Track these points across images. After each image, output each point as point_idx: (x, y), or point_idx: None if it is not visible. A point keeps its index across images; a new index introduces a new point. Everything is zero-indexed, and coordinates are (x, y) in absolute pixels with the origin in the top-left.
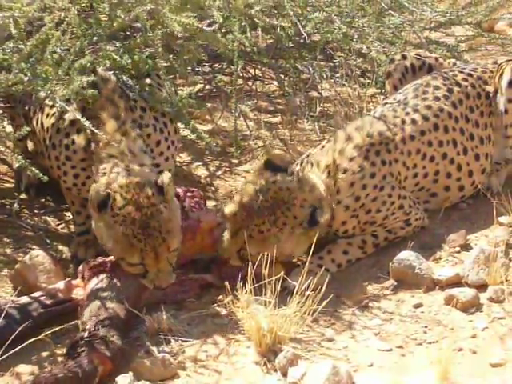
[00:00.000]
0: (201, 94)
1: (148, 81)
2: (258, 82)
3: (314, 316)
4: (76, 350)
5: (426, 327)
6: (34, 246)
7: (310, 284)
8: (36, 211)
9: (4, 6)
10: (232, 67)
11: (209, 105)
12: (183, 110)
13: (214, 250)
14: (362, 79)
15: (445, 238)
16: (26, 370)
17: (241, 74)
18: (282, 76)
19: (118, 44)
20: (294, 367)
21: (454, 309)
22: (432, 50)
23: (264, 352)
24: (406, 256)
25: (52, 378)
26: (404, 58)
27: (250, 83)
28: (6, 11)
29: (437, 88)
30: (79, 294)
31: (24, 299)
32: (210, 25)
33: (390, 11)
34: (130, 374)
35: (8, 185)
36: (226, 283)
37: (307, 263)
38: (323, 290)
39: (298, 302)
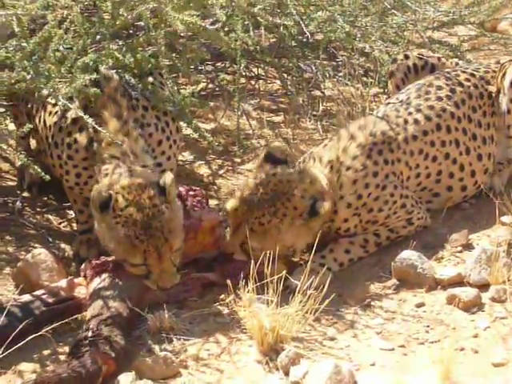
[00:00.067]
0: (203, 93)
1: (150, 79)
2: (260, 81)
3: (315, 315)
4: (80, 349)
5: (427, 327)
6: (36, 244)
7: (312, 283)
8: (38, 209)
9: (7, 4)
10: (235, 66)
11: (211, 104)
12: (186, 108)
13: (215, 249)
14: (364, 78)
15: (447, 237)
16: (27, 368)
17: (244, 73)
18: (285, 75)
19: (120, 42)
20: (295, 366)
21: (456, 308)
22: (435, 49)
23: (266, 351)
24: (408, 255)
25: (55, 378)
26: (406, 57)
27: (252, 82)
28: (9, 9)
29: (439, 88)
30: (81, 292)
31: (26, 297)
32: (213, 23)
33: (392, 11)
34: (132, 372)
35: (10, 183)
36: (228, 282)
37: (309, 262)
38: (325, 289)
39: (300, 301)
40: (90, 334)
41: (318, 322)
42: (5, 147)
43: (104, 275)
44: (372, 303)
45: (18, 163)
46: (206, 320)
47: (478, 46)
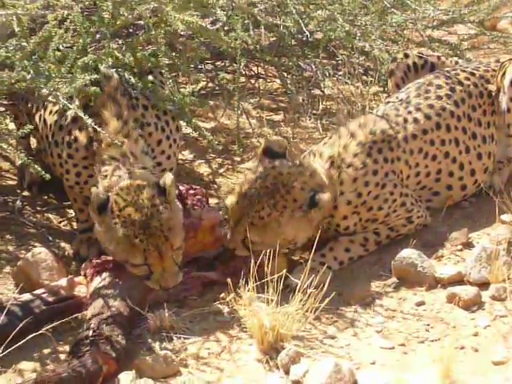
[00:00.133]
0: (203, 92)
1: (150, 78)
2: (260, 80)
3: (316, 314)
4: (80, 349)
5: (428, 325)
6: (36, 243)
7: (312, 282)
8: (38, 208)
9: (7, 4)
10: (235, 65)
11: (211, 102)
12: (186, 107)
13: (215, 248)
14: (364, 77)
15: (447, 236)
16: (28, 366)
17: (243, 72)
18: (285, 74)
19: (120, 42)
20: (296, 365)
21: (456, 307)
22: (434, 48)
23: (266, 350)
24: (408, 254)
25: (56, 377)
26: (406, 56)
27: (252, 81)
28: (9, 9)
29: (439, 87)
30: (82, 291)
31: (26, 296)
32: (213, 23)
33: (392, 9)
34: (133, 371)
35: (11, 182)
36: (229, 280)
37: (309, 261)
38: (325, 288)
39: (301, 300)
40: (90, 333)
41: (318, 321)
42: (5, 146)
43: (104, 274)
44: (372, 302)
45: (19, 162)
46: (206, 319)
47: (477, 44)
